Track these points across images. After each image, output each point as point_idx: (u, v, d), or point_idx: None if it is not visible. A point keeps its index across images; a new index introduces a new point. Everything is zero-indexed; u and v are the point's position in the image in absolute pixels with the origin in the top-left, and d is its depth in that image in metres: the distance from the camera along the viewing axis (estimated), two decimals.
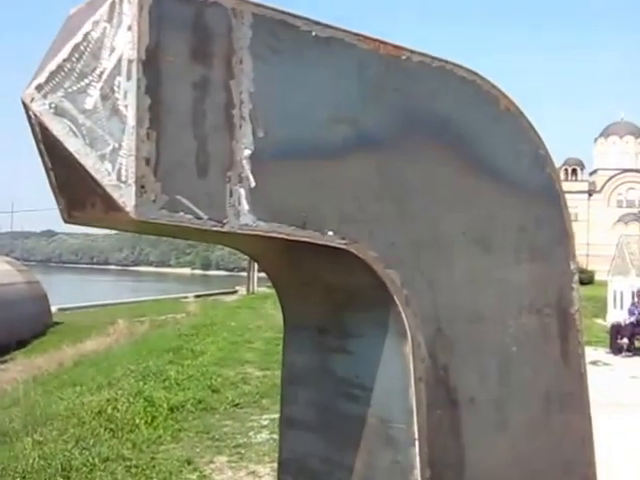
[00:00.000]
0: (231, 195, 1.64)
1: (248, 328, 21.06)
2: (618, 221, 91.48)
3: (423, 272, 1.99)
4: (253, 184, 1.66)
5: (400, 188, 1.92)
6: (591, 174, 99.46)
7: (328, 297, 2.11)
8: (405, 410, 1.94)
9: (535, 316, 2.22)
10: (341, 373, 2.12)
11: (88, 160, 1.54)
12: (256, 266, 48.92)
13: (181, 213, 1.58)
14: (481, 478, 2.07)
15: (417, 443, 1.92)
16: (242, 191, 1.65)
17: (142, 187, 1.53)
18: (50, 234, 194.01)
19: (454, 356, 2.02)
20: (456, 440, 2.01)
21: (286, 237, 1.74)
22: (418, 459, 1.93)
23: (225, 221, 1.64)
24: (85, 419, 9.65)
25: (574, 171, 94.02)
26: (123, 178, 1.53)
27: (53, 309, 35.88)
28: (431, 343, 1.98)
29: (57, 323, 34.68)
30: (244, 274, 53.72)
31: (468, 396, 2.04)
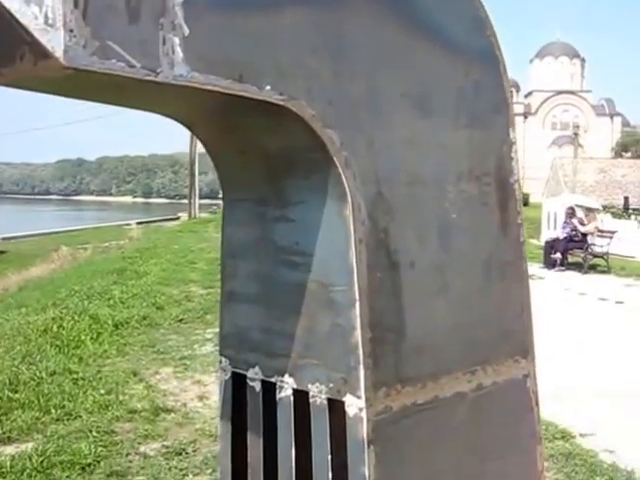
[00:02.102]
0: (164, 43, 1.59)
1: (191, 250, 21.03)
2: (552, 143, 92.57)
3: (362, 133, 1.96)
4: (187, 32, 1.61)
5: (338, 44, 1.88)
6: (526, 96, 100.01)
7: (267, 165, 2.08)
8: (346, 272, 1.94)
9: (474, 183, 2.22)
10: (281, 242, 2.11)
11: (13, 3, 1.48)
12: (198, 191, 48.79)
13: (113, 60, 1.53)
14: (421, 342, 2.09)
15: (357, 304, 1.93)
16: (176, 39, 1.60)
17: (71, 31, 1.47)
18: None
19: (394, 219, 2.02)
20: (396, 303, 2.03)
21: (223, 91, 1.69)
22: (359, 320, 1.93)
23: (159, 70, 1.59)
24: (31, 337, 9.65)
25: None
26: (50, 21, 1.46)
27: None
28: (371, 206, 1.97)
29: (1, 252, 34.33)
30: (186, 201, 53.38)
31: (408, 260, 2.05)
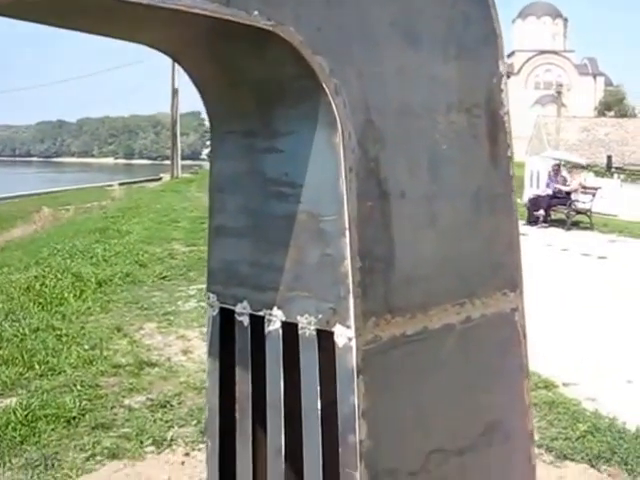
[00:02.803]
0: None
1: (173, 209, 20.95)
2: (535, 103, 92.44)
3: (352, 61, 1.94)
4: None
5: None
6: (509, 56, 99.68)
7: (255, 95, 2.05)
8: (335, 201, 1.92)
9: (464, 115, 2.20)
10: (271, 174, 2.09)
11: None
12: (180, 151, 48.45)
13: None
14: (411, 273, 2.08)
15: (347, 233, 1.91)
16: None
17: None
18: None
19: (385, 148, 2.00)
20: (386, 233, 2.01)
21: (209, 14, 1.66)
22: (348, 250, 1.92)
23: None
24: (14, 295, 9.60)
25: None
26: None
27: None
28: (361, 134, 1.95)
29: None
30: (168, 163, 53.09)
31: (399, 190, 2.03)
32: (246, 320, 2.21)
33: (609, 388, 6.80)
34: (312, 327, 2.02)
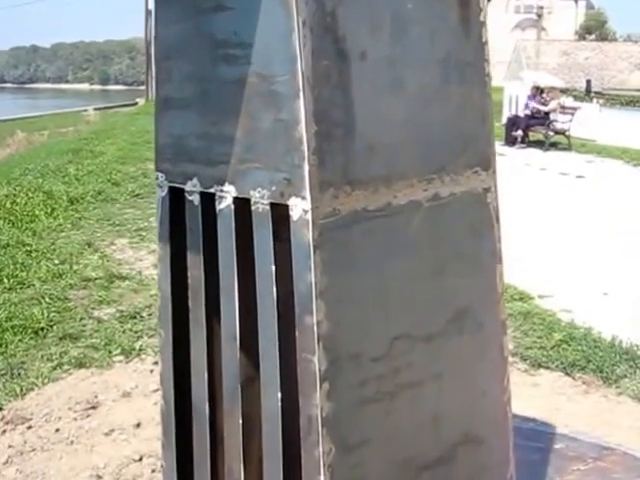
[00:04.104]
0: None
1: (147, 131, 20.56)
2: (516, 27, 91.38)
3: None
4: None
5: None
6: None
7: None
8: (288, 59, 1.74)
9: None
10: (219, 34, 1.90)
11: None
12: (154, 74, 47.46)
13: None
14: (372, 141, 1.91)
15: (301, 95, 1.74)
16: None
17: None
18: None
19: (342, 2, 1.81)
20: (345, 96, 1.83)
21: None
22: (303, 112, 1.75)
23: None
24: None
25: None
26: None
27: None
28: None
29: None
30: (144, 88, 52.16)
31: (358, 50, 1.85)
32: (196, 199, 2.05)
33: (585, 300, 6.76)
34: (265, 201, 1.86)
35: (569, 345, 5.43)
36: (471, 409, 2.26)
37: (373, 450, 2.00)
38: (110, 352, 5.11)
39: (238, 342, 2.00)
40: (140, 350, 5.15)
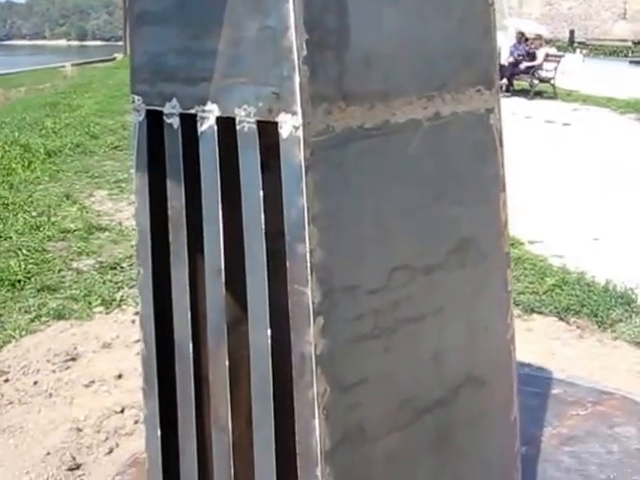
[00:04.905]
0: None
1: (126, 84, 20.13)
2: None
3: None
4: None
5: None
6: None
7: None
8: None
9: None
10: None
11: None
12: None
13: None
14: (368, 52, 1.73)
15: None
16: None
17: None
18: None
19: None
20: (338, 6, 1.66)
21: None
22: (292, 18, 1.57)
23: None
24: None
25: None
26: None
27: None
28: None
29: None
30: (121, 43, 51.35)
31: None
32: (176, 122, 1.87)
33: (576, 245, 6.64)
34: (252, 119, 1.68)
35: (562, 290, 5.32)
36: (473, 347, 2.12)
37: (371, 390, 1.86)
38: (90, 303, 4.95)
39: (224, 277, 1.84)
40: (121, 301, 4.99)
